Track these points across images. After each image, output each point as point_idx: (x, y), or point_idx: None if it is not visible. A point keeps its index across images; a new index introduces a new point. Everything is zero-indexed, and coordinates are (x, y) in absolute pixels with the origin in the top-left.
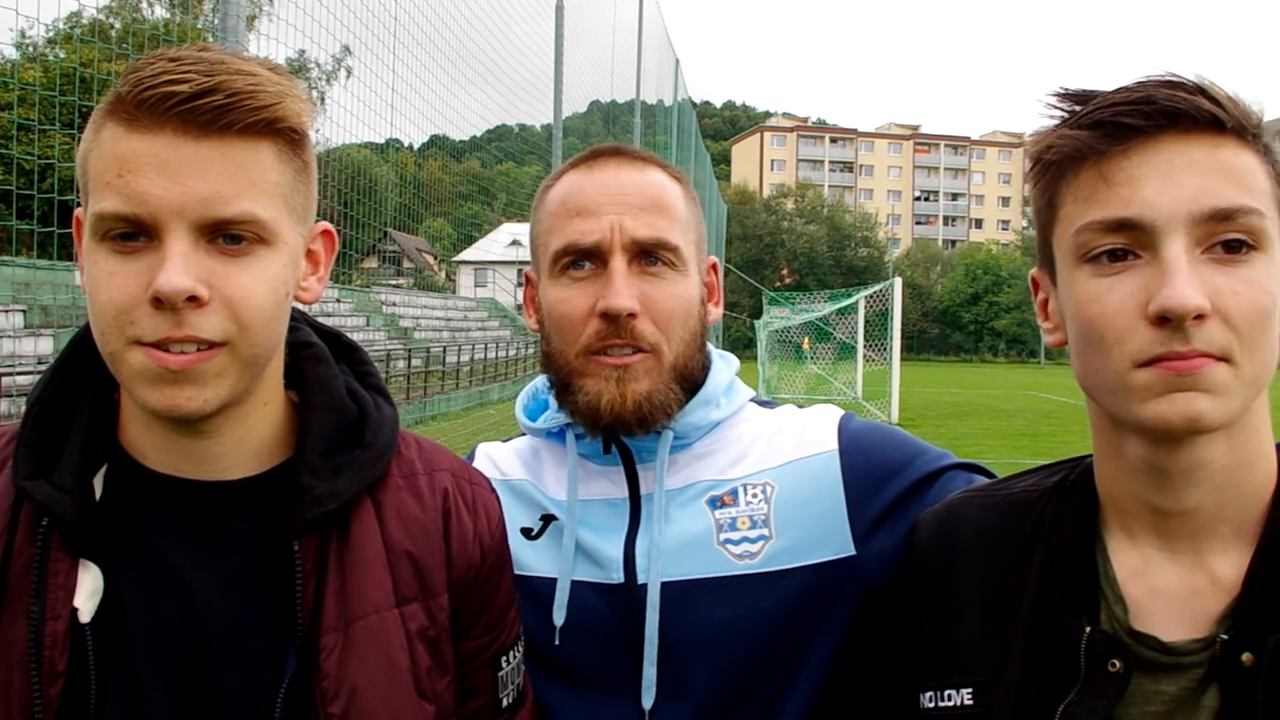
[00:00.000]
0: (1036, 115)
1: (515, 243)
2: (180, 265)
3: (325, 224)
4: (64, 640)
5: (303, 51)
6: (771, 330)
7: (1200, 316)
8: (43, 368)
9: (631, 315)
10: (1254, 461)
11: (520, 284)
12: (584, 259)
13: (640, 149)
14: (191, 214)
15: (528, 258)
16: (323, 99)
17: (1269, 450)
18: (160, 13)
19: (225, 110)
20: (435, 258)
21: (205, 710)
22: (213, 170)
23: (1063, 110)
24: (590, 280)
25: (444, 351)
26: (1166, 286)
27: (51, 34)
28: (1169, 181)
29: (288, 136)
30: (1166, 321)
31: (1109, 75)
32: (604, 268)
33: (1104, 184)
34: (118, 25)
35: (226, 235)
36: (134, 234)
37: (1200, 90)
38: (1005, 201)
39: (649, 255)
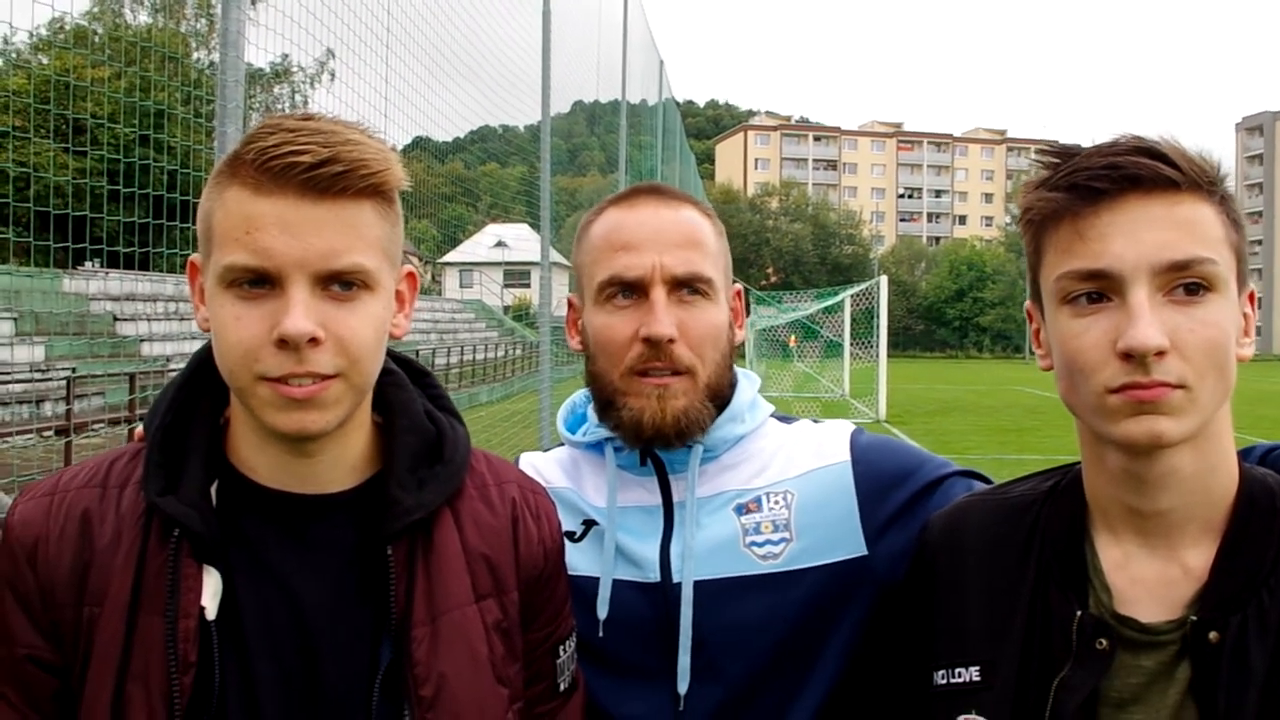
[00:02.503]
0: (1018, 113)
1: (500, 244)
2: (302, 311)
3: (410, 267)
4: (195, 636)
5: (286, 55)
6: (759, 329)
7: (1161, 353)
8: (36, 375)
9: (671, 340)
10: (1218, 468)
11: (505, 285)
12: (628, 290)
13: (673, 187)
14: (311, 266)
15: (512, 259)
16: (306, 103)
17: (1230, 457)
18: (144, 18)
19: (341, 177)
20: (420, 260)
21: (311, 695)
22: (328, 228)
23: (1045, 165)
24: (633, 309)
25: (432, 354)
26: (1132, 328)
27: (34, 41)
28: (1133, 238)
29: (387, 196)
30: (1132, 357)
31: (1089, 72)
32: (645, 298)
33: (1079, 239)
34: (100, 31)
35: (340, 283)
36: (259, 282)
37: (1159, 155)
38: (988, 198)
39: (685, 286)
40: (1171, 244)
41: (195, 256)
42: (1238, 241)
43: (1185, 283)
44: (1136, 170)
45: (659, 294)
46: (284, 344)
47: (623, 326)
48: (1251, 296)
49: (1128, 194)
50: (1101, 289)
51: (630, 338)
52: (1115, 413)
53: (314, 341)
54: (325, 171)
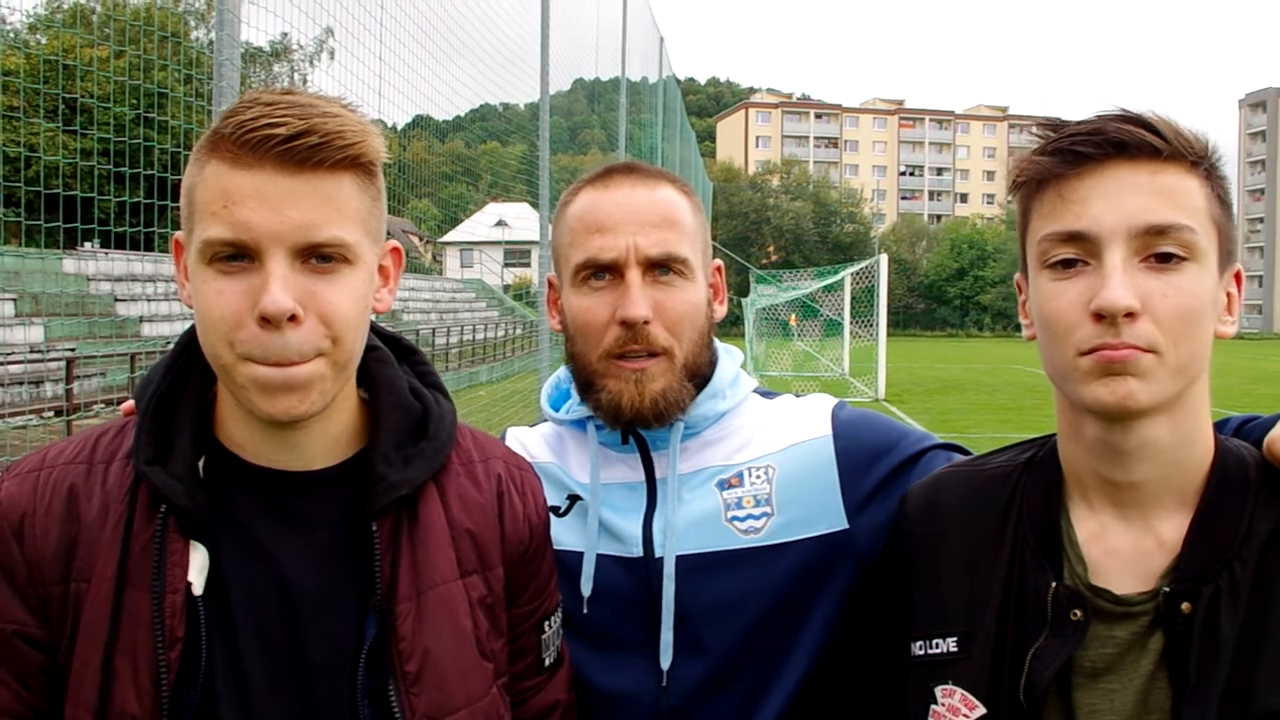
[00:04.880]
0: (1021, 90)
1: (501, 223)
2: (281, 285)
3: (394, 242)
4: (181, 610)
5: (285, 34)
6: (759, 308)
7: (1131, 315)
8: (35, 356)
9: (646, 322)
10: (1193, 440)
11: (506, 264)
12: (603, 272)
13: (650, 165)
14: (289, 240)
15: (514, 238)
16: (305, 82)
17: (1206, 430)
18: None
19: (318, 149)
20: (421, 239)
21: (297, 670)
22: (306, 201)
23: (1039, 136)
24: (609, 290)
25: (433, 333)
26: (1104, 289)
27: (31, 20)
28: (1113, 201)
29: (366, 169)
30: (1103, 318)
31: (1092, 48)
32: (621, 280)
33: (1061, 202)
34: (99, 10)
35: (318, 256)
36: (238, 256)
37: (1145, 124)
38: (990, 175)
39: (660, 267)
40: (1150, 208)
41: (179, 234)
42: (1222, 219)
43: (1160, 250)
44: (1120, 136)
45: (634, 276)
46: (266, 322)
47: (599, 309)
48: (1238, 277)
49: (1112, 159)
50: (1079, 253)
51: (607, 320)
52: (1086, 375)
53: (294, 319)
54: (302, 143)
